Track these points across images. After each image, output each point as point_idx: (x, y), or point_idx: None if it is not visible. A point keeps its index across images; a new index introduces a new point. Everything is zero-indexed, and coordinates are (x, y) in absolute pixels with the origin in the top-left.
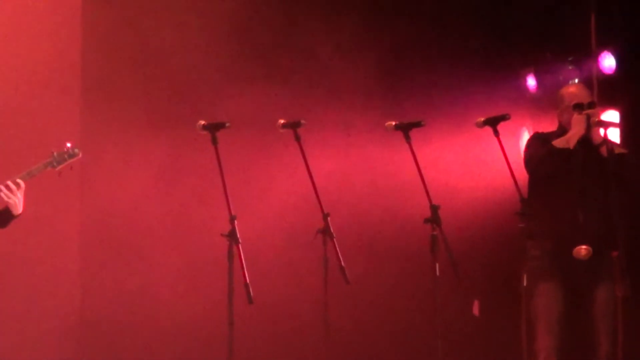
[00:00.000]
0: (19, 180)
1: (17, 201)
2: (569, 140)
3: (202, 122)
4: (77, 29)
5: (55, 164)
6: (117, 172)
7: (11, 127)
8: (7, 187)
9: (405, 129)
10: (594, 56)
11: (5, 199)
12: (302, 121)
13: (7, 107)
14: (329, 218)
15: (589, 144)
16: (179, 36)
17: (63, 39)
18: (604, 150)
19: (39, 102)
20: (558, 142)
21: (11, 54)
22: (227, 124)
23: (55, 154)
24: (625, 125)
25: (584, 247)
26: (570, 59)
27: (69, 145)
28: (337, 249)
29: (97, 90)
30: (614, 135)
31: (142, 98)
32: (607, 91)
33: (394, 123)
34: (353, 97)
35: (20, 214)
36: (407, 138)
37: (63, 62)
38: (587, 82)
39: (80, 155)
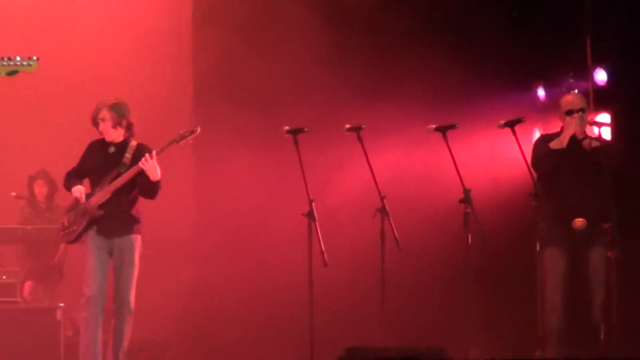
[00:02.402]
0: (153, 152)
1: (150, 167)
2: (562, 141)
3: (287, 128)
4: (189, 55)
5: (178, 139)
6: (222, 165)
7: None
8: (145, 157)
9: (442, 130)
10: (590, 71)
11: (142, 165)
12: (363, 125)
13: (138, 113)
14: (385, 200)
15: (578, 142)
16: (271, 58)
17: (178, 62)
18: (586, 144)
19: (162, 108)
20: (554, 144)
21: (136, 69)
22: (306, 129)
23: (180, 132)
24: (615, 124)
25: (579, 220)
26: (571, 74)
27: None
28: (392, 224)
29: (205, 101)
30: (607, 132)
31: (240, 108)
32: (600, 99)
33: (434, 126)
34: (402, 105)
35: (159, 180)
36: (445, 137)
37: (178, 80)
38: (584, 92)
39: (199, 131)
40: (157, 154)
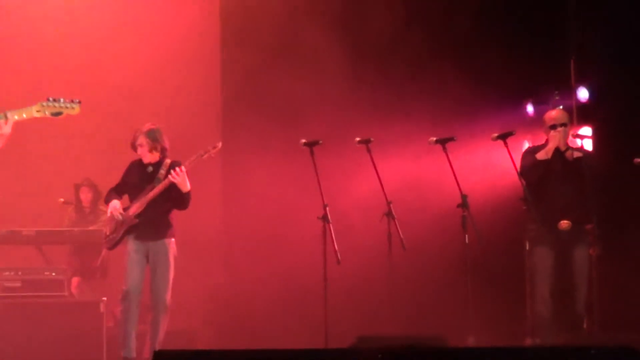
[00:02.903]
0: (182, 167)
1: (180, 180)
2: (547, 152)
3: (303, 140)
4: (218, 73)
5: (203, 153)
6: (247, 174)
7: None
8: (174, 170)
9: (442, 142)
10: (573, 90)
11: (172, 178)
12: (372, 138)
13: (171, 127)
14: (391, 204)
15: (562, 153)
16: (292, 77)
17: (207, 80)
18: (568, 155)
19: (193, 122)
20: (540, 155)
21: (169, 86)
22: (320, 141)
23: (208, 147)
24: (595, 137)
25: (564, 221)
26: (556, 92)
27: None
28: (398, 226)
29: (232, 116)
30: (588, 144)
31: (263, 122)
32: (583, 114)
33: (434, 139)
34: (407, 120)
35: (189, 191)
36: (444, 149)
37: (207, 96)
38: (568, 108)
39: (220, 145)
40: (186, 167)
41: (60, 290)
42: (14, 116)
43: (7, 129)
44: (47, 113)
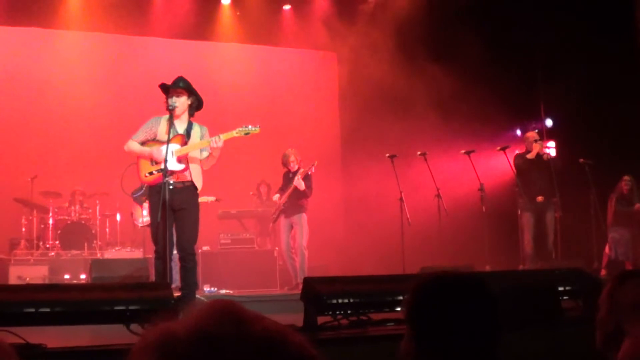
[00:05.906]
0: (298, 176)
1: (297, 183)
2: (532, 155)
3: (387, 154)
4: (336, 113)
5: (307, 169)
6: (358, 174)
7: (311, 158)
8: (293, 178)
9: (468, 153)
10: (543, 120)
11: (295, 182)
12: (427, 152)
13: (308, 152)
14: (439, 190)
15: (540, 156)
16: (385, 115)
17: (330, 117)
18: (544, 157)
19: (321, 148)
20: (529, 156)
21: (308, 121)
22: (397, 155)
23: (315, 162)
24: (557, 148)
25: (540, 197)
26: (533, 123)
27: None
28: (444, 202)
29: (348, 141)
30: (553, 151)
31: (365, 143)
32: (549, 134)
33: (463, 150)
34: (448, 140)
35: (304, 189)
36: (469, 156)
37: (331, 127)
38: (540, 131)
39: (316, 163)
40: (301, 176)
41: (252, 244)
42: (223, 137)
43: (220, 144)
44: (242, 133)
